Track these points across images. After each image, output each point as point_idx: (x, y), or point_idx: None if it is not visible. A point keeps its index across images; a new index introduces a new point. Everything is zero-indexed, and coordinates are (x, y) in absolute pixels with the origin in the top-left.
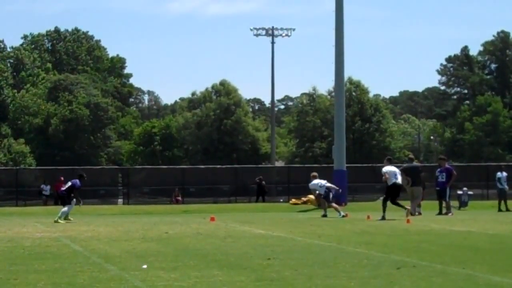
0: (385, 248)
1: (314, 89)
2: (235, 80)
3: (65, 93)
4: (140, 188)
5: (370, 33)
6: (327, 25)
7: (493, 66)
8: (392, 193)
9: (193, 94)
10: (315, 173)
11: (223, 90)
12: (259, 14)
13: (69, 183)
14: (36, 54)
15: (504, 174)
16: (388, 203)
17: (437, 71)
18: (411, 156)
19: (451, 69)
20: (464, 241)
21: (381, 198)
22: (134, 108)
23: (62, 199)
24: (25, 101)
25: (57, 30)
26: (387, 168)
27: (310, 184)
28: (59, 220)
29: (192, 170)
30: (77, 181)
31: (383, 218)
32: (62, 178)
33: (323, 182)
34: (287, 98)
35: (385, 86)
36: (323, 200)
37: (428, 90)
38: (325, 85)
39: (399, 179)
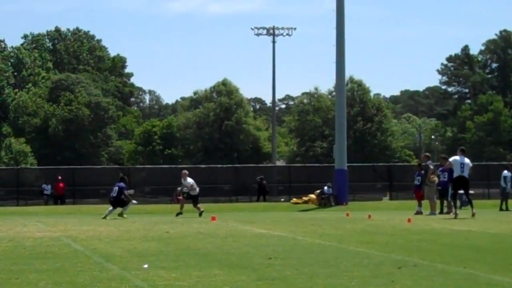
0: (386, 248)
1: (316, 89)
2: (236, 79)
3: (66, 93)
4: (141, 187)
5: (371, 32)
6: (328, 25)
7: (494, 65)
8: (457, 186)
9: (195, 93)
10: (185, 171)
11: (225, 90)
12: (260, 13)
13: (116, 187)
14: (36, 54)
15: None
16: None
17: (438, 70)
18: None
19: (452, 68)
20: (465, 241)
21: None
22: (135, 108)
23: (115, 203)
24: (24, 101)
25: (57, 30)
26: (453, 158)
27: (185, 183)
28: (124, 215)
29: (193, 169)
30: (122, 183)
31: (455, 214)
32: (60, 177)
33: (192, 181)
34: (288, 97)
35: (386, 85)
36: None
37: (429, 89)
38: (326, 84)
39: (466, 171)
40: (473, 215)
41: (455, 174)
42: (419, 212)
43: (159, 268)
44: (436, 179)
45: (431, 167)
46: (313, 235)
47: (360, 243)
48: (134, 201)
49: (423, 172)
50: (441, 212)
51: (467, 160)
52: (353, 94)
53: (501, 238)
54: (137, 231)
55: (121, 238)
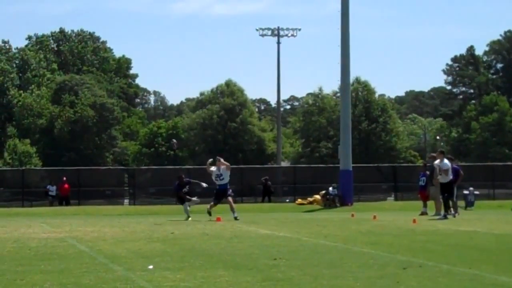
0: (391, 248)
1: (320, 89)
2: (241, 80)
3: (68, 95)
4: (146, 188)
5: (375, 33)
6: (332, 25)
7: (499, 65)
8: (449, 189)
9: (201, 94)
10: (220, 158)
11: (227, 91)
12: (265, 14)
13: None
14: (41, 55)
15: None
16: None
17: (443, 71)
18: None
19: (457, 69)
20: (470, 241)
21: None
22: (140, 109)
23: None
24: (28, 103)
25: (61, 31)
26: (448, 163)
27: (222, 171)
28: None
29: (198, 170)
30: (177, 182)
31: (445, 216)
32: (65, 179)
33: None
34: (293, 98)
35: (391, 86)
36: None
37: (434, 90)
38: (331, 85)
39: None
40: (454, 215)
41: (448, 179)
42: (424, 213)
43: (164, 269)
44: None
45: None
46: (318, 236)
47: (365, 244)
48: (195, 199)
49: (428, 172)
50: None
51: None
52: (357, 95)
53: (507, 239)
54: (142, 232)
55: (126, 239)
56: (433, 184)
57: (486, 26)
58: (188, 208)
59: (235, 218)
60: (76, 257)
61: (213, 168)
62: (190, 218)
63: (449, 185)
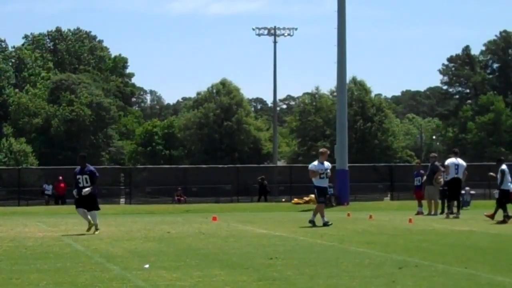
0: (387, 248)
1: (317, 88)
2: (237, 79)
3: (66, 93)
4: (142, 187)
5: (372, 32)
6: (329, 25)
7: (495, 65)
8: (452, 188)
9: (198, 93)
10: (326, 150)
11: (224, 90)
12: (261, 13)
13: None
14: (38, 54)
15: None
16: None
17: (439, 70)
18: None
19: (453, 68)
20: (466, 241)
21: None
22: (136, 108)
23: None
24: (24, 102)
25: (58, 30)
26: (449, 161)
27: (326, 166)
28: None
29: (194, 169)
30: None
31: (448, 215)
32: (61, 178)
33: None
34: (289, 97)
35: (387, 85)
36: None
37: (430, 89)
38: (327, 84)
39: (460, 173)
40: (456, 216)
41: (450, 176)
42: (420, 213)
43: (160, 268)
44: (442, 180)
45: (442, 168)
46: (314, 235)
47: (361, 244)
48: (86, 190)
49: (422, 172)
50: (442, 213)
51: (461, 162)
52: (352, 94)
53: (502, 238)
54: (138, 231)
55: (122, 238)
56: (431, 184)
57: (482, 26)
58: (85, 212)
59: (327, 224)
60: (72, 256)
61: (315, 163)
62: (91, 227)
63: (449, 183)
